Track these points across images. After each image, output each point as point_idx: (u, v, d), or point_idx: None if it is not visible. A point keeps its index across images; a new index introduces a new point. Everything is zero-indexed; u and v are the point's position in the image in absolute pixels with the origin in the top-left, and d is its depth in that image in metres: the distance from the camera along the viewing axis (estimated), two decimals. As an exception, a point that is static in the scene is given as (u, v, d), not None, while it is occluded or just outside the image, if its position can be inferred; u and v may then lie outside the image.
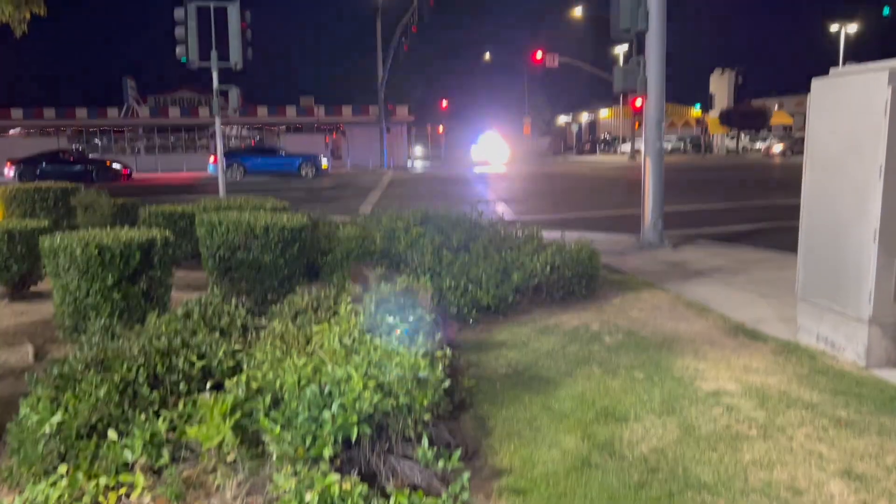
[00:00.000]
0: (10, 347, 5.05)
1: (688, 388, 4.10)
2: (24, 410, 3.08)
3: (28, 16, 9.78)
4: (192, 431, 2.93)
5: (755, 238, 10.64)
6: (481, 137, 61.83)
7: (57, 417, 3.01)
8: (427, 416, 3.07)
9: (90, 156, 36.72)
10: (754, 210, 15.10)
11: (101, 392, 3.11)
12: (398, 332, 3.73)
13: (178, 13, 13.53)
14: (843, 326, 4.73)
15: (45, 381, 3.27)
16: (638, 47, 9.84)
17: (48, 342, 5.15)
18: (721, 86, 61.22)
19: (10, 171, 31.14)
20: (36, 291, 6.76)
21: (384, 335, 3.73)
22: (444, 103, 61.86)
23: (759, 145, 57.80)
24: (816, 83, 5.06)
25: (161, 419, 3.07)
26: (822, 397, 3.95)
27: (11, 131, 44.31)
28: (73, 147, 42.01)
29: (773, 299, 6.41)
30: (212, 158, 32.90)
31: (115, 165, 32.93)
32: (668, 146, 58.21)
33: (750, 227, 12.04)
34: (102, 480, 2.79)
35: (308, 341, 3.80)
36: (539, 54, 47.87)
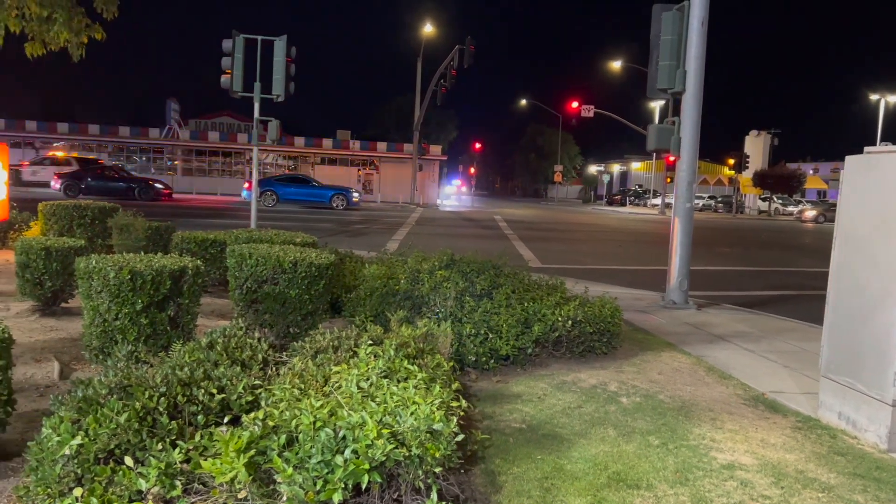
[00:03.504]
0: (37, 363, 5.16)
1: (703, 459, 4.06)
2: (45, 431, 3.14)
3: (86, 40, 10.17)
4: (206, 465, 2.97)
5: (782, 305, 10.53)
6: (455, 180, 70.03)
7: (77, 440, 3.07)
8: (438, 469, 3.08)
9: (134, 174, 37.62)
10: (783, 275, 14.95)
11: (122, 418, 3.17)
12: (416, 379, 3.76)
13: (227, 44, 13.95)
14: (865, 407, 4.66)
15: (69, 402, 3.35)
16: (674, 105, 9.91)
17: (74, 360, 5.26)
18: (756, 147, 60.99)
19: (56, 184, 32.13)
20: (66, 308, 6.91)
21: (402, 381, 3.77)
22: (478, 145, 62.45)
23: (792, 209, 57.32)
24: (850, 160, 5.07)
25: (177, 450, 3.12)
26: (839, 479, 3.88)
27: (55, 144, 45.61)
28: (115, 164, 43.15)
29: (795, 371, 6.33)
30: (246, 185, 33.62)
31: (158, 185, 33.71)
32: (700, 203, 58.05)
33: (777, 294, 11.92)
34: (115, 507, 2.83)
35: (326, 381, 3.84)
36: (574, 104, 48.35)
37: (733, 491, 3.64)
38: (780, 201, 60.15)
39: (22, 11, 9.99)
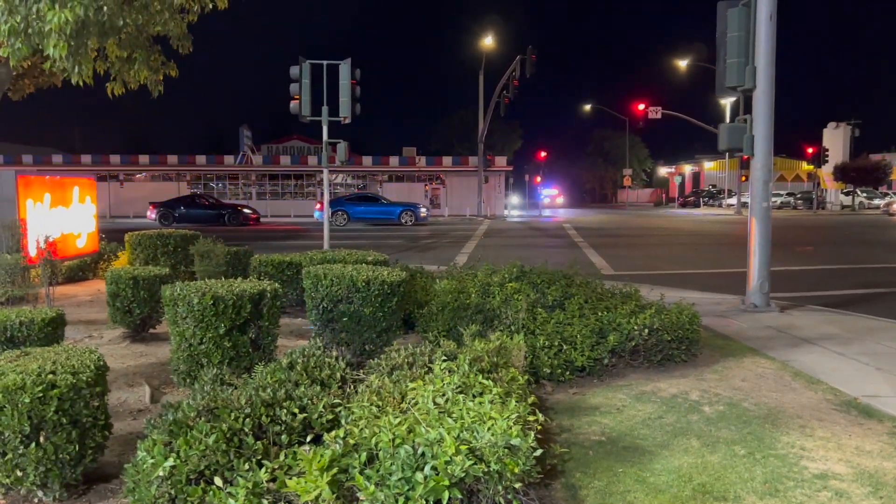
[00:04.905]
0: (130, 388, 5.42)
1: (793, 468, 3.91)
2: (140, 453, 3.30)
3: (162, 77, 10.70)
4: (291, 484, 3.05)
5: (871, 304, 10.04)
6: (548, 190, 66.81)
7: (170, 462, 3.21)
8: (518, 484, 3.07)
9: (224, 201, 39.28)
10: (871, 272, 14.26)
11: (211, 440, 3.30)
12: (491, 393, 3.77)
13: (294, 71, 14.40)
14: (969, 410, 4.39)
15: (160, 426, 3.50)
16: (745, 102, 9.64)
17: (163, 384, 5.50)
18: (835, 139, 58.50)
19: (152, 214, 33.90)
20: (154, 333, 7.24)
21: (477, 396, 3.78)
22: (543, 154, 62.10)
23: (878, 202, 54.60)
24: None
25: (263, 469, 3.22)
26: (944, 488, 3.67)
27: (137, 176, 47.91)
28: (201, 192, 45.09)
29: (889, 374, 6.02)
30: (318, 206, 34.47)
31: (246, 210, 35.11)
32: (777, 201, 55.99)
33: (866, 292, 11.37)
34: (207, 526, 2.95)
35: (403, 398, 3.90)
36: (641, 106, 47.56)
37: (828, 502, 3.49)
38: (865, 195, 57.37)
39: (104, 53, 10.59)
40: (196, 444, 3.31)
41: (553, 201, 68.29)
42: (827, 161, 51.78)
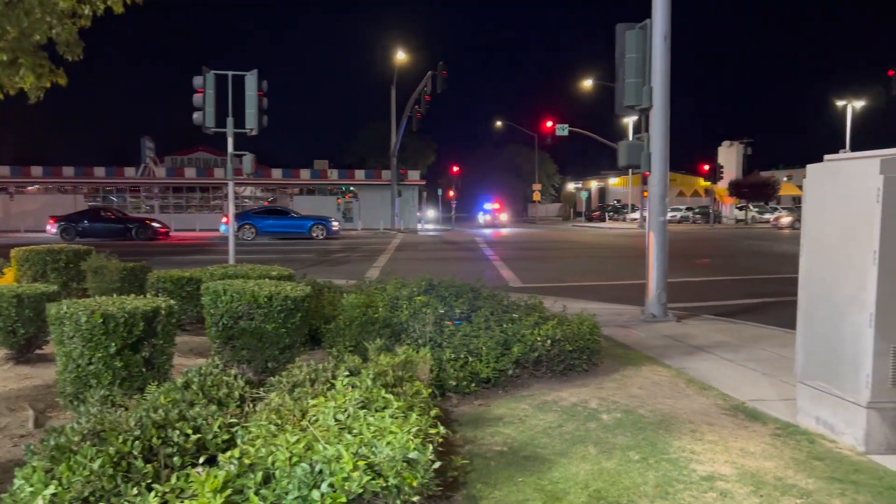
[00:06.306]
0: (12, 412, 5.09)
1: (682, 471, 4.08)
2: (18, 481, 3.10)
3: (49, 84, 10.12)
4: (182, 507, 2.94)
5: (760, 313, 10.64)
6: (486, 205, 63.34)
7: (50, 489, 3.03)
8: (416, 498, 3.07)
9: (131, 215, 37.54)
10: (761, 283, 15.11)
11: (96, 464, 3.14)
12: (393, 408, 3.76)
13: (197, 81, 13.97)
14: (841, 411, 4.71)
15: (41, 451, 3.31)
16: (646, 121, 10.07)
17: (49, 408, 5.19)
18: (730, 157, 61.97)
19: (52, 228, 31.87)
20: (41, 354, 6.83)
21: (379, 411, 3.76)
22: (456, 168, 62.76)
23: (768, 216, 58.09)
24: (812, 169, 5.17)
25: (152, 493, 3.08)
26: (818, 484, 3.91)
27: (29, 188, 45.29)
28: (105, 205, 42.98)
29: (774, 378, 6.39)
30: (224, 219, 33.51)
31: (155, 224, 33.65)
32: (678, 215, 58.66)
33: (755, 302, 12.04)
34: (90, 556, 2.80)
35: (304, 415, 3.83)
36: (549, 123, 48.85)
37: (713, 502, 3.66)
38: (756, 209, 60.95)
39: None
40: (80, 469, 3.14)
41: (496, 217, 63.07)
42: (722, 177, 54.69)
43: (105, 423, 3.53)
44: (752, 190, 56.46)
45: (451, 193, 58.57)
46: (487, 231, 44.08)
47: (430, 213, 62.91)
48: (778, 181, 58.98)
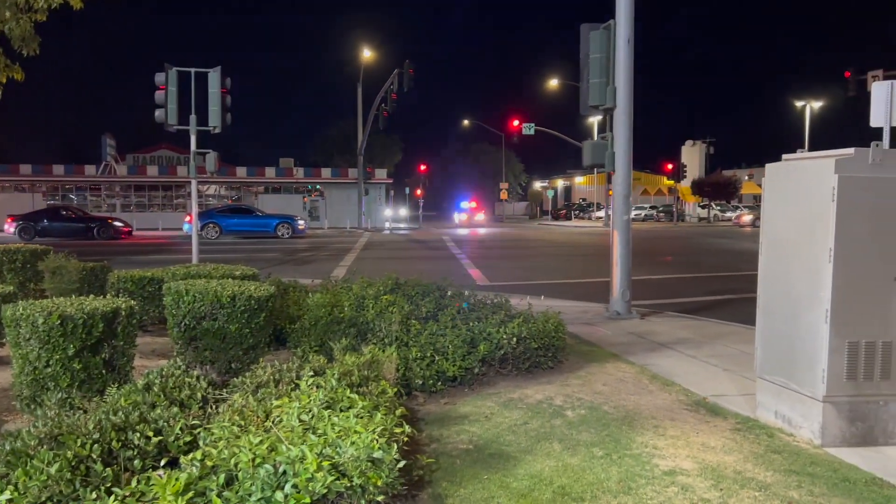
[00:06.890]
0: (-35, 417, 4.95)
1: (645, 467, 4.14)
2: (-29, 489, 3.03)
3: (4, 80, 9.86)
4: (142, 511, 2.90)
5: (722, 309, 10.83)
6: (462, 203, 62.94)
7: (6, 495, 2.96)
8: (381, 497, 3.07)
9: (92, 213, 36.71)
10: (723, 280, 15.38)
11: (53, 469, 3.07)
12: (358, 407, 3.75)
13: (159, 77, 13.74)
14: (799, 405, 4.82)
15: (-4, 457, 3.23)
16: (610, 120, 10.18)
17: (5, 412, 5.06)
18: (693, 156, 62.98)
19: (10, 227, 30.98)
20: (-3, 356, 6.67)
21: (344, 411, 3.75)
22: (423, 167, 62.70)
23: (730, 214, 59.18)
24: (770, 168, 5.28)
25: (112, 497, 3.03)
26: (775, 477, 4.00)
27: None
28: (66, 203, 42.01)
29: (735, 374, 6.51)
30: (187, 218, 33.04)
31: (117, 223, 32.96)
32: (642, 214, 59.39)
33: (717, 299, 12.25)
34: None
35: (267, 416, 3.79)
36: (515, 122, 49.08)
37: (674, 496, 3.72)
38: (719, 208, 62.03)
39: None
40: (37, 474, 3.07)
41: (472, 216, 62.07)
42: (685, 176, 55.61)
43: (63, 426, 3.46)
44: (715, 189, 57.50)
45: (419, 192, 58.53)
46: (457, 230, 44.14)
47: (398, 211, 62.72)
48: (739, 180, 60.18)
